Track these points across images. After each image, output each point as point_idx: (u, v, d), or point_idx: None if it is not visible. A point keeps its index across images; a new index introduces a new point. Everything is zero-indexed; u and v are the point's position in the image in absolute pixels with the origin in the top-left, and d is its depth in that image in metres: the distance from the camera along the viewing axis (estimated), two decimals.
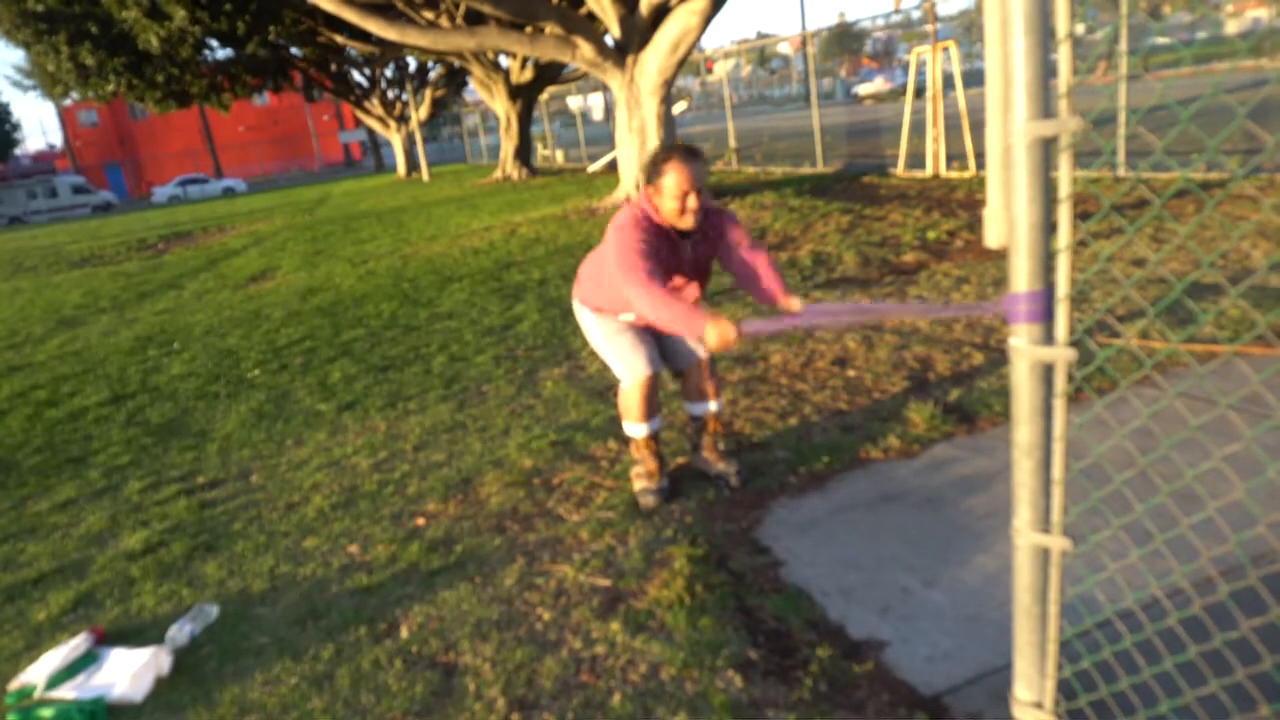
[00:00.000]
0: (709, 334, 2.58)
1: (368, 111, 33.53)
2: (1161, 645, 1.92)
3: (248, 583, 3.05)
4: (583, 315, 3.28)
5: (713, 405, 3.30)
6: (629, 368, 3.11)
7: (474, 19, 16.78)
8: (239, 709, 2.35)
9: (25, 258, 19.21)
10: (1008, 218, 1.47)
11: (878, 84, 47.44)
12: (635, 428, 3.20)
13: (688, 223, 2.82)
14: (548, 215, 12.88)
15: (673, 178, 2.76)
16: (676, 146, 2.82)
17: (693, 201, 2.77)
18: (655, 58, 11.29)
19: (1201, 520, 2.52)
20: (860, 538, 2.78)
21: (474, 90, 24.67)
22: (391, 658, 2.48)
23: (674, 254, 2.92)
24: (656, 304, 2.68)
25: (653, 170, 2.83)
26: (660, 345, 3.25)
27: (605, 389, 4.54)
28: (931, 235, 7.33)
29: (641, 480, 3.25)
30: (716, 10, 10.57)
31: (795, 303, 2.80)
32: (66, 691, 2.47)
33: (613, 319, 3.17)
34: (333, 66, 29.68)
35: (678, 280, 3.03)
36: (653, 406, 3.17)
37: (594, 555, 2.88)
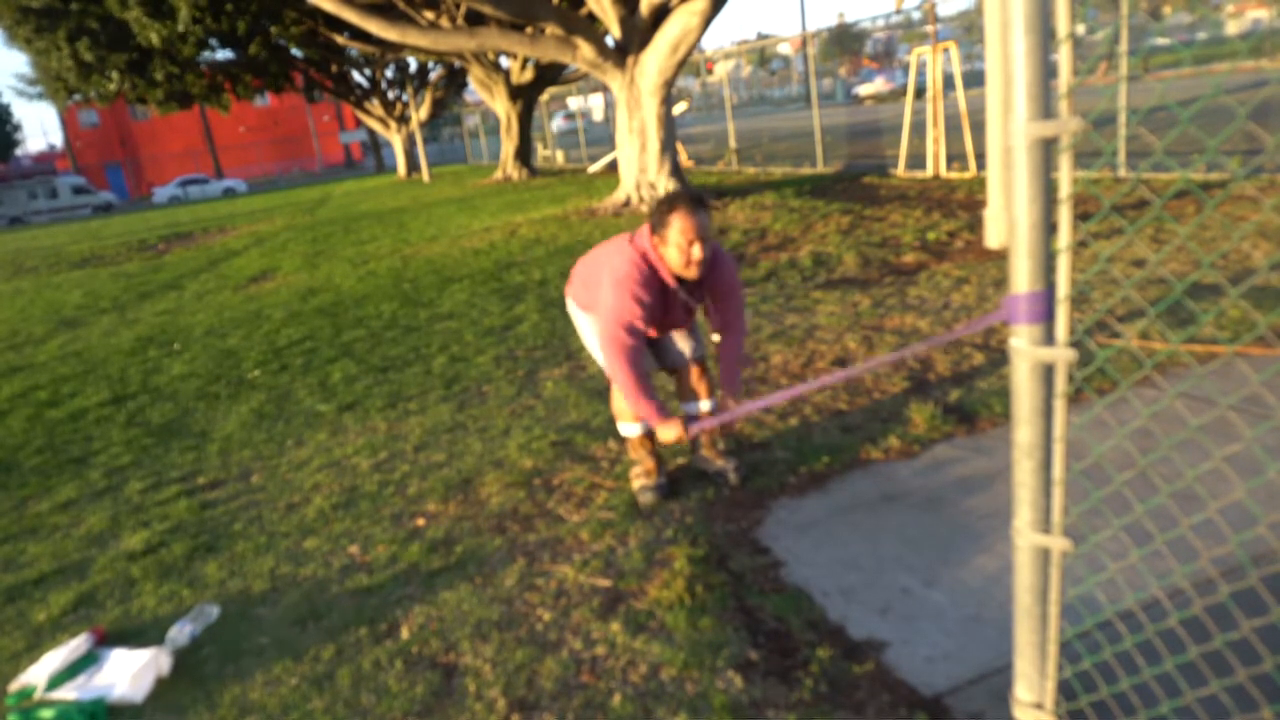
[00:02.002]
0: (662, 433, 2.79)
1: (368, 112, 33.55)
2: (1162, 646, 1.92)
3: (248, 583, 3.05)
4: (576, 314, 3.29)
5: (706, 404, 3.32)
6: None
7: (474, 20, 16.79)
8: (239, 709, 2.35)
9: (26, 258, 19.22)
10: (1008, 218, 1.47)
11: (878, 84, 47.44)
12: (629, 427, 3.21)
13: (692, 274, 2.80)
14: (548, 216, 12.88)
15: (678, 227, 2.73)
16: (682, 194, 2.78)
17: (698, 252, 2.75)
18: (655, 58, 11.30)
19: (1202, 520, 2.52)
20: (860, 538, 2.78)
21: (474, 91, 24.68)
22: (392, 658, 2.48)
23: (669, 305, 2.94)
24: (625, 385, 2.81)
25: (658, 219, 2.79)
26: (652, 345, 3.25)
27: (605, 389, 4.54)
28: (932, 236, 7.33)
29: (640, 479, 3.26)
30: (717, 11, 10.57)
31: (730, 404, 3.07)
32: (67, 692, 2.48)
33: None
34: (333, 67, 29.70)
35: (658, 333, 3.09)
36: None
37: (594, 556, 2.89)
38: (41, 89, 26.33)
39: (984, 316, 1.72)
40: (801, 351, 4.74)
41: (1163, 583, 2.27)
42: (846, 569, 2.61)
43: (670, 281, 2.85)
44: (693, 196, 2.78)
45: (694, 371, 3.26)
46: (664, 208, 2.78)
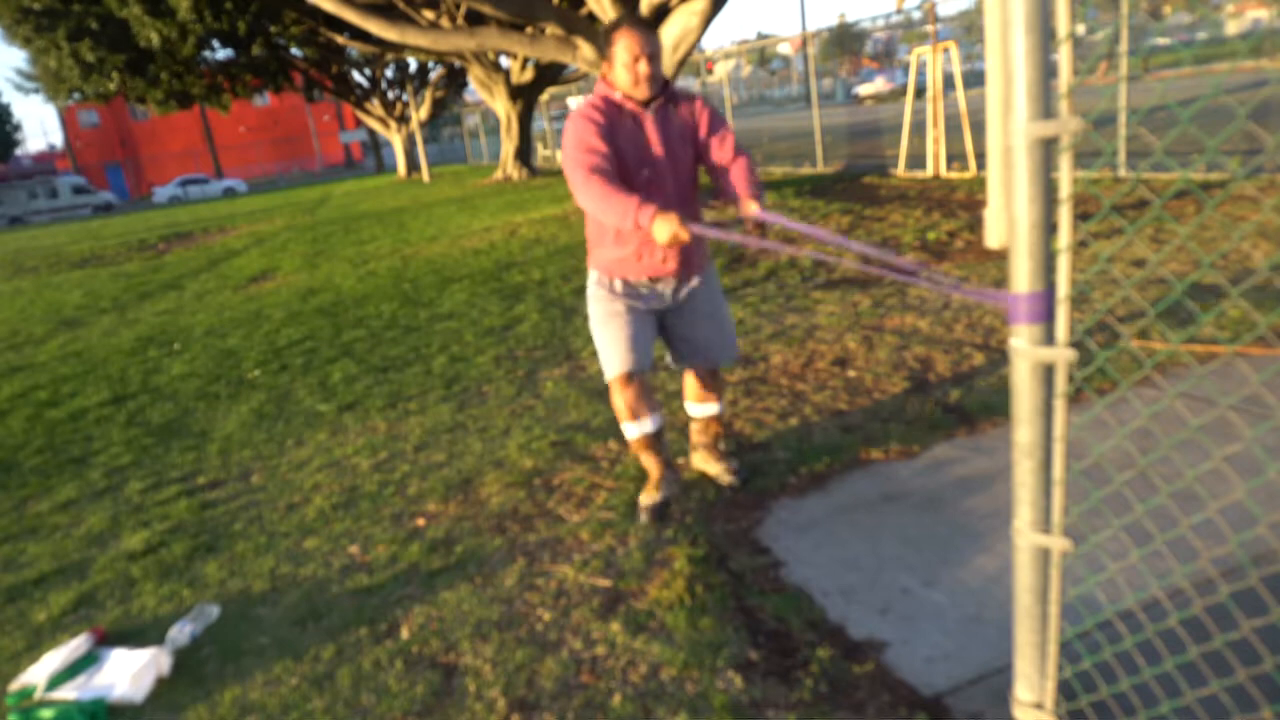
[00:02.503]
0: (656, 230, 2.49)
1: (368, 112, 33.55)
2: (1162, 646, 1.92)
3: (248, 583, 3.05)
4: (589, 285, 3.03)
5: (714, 407, 3.28)
6: (608, 362, 2.96)
7: (474, 19, 16.79)
8: (239, 709, 2.35)
9: (26, 258, 19.21)
10: (1008, 218, 1.47)
11: (878, 84, 47.46)
12: (626, 427, 3.06)
13: (644, 90, 2.70)
14: (548, 216, 12.88)
15: (622, 45, 2.68)
16: (625, 15, 2.72)
17: (644, 67, 2.67)
18: None
19: (1202, 521, 2.52)
20: (861, 538, 2.78)
21: (474, 91, 24.68)
22: (392, 658, 2.48)
23: (639, 132, 2.75)
24: (597, 195, 2.58)
25: (605, 44, 2.73)
26: (666, 338, 3.11)
27: (605, 389, 4.54)
28: (932, 236, 7.33)
29: (644, 490, 3.17)
30: (717, 10, 10.57)
31: (753, 208, 2.67)
32: (67, 692, 2.48)
33: (608, 295, 2.92)
34: (333, 67, 29.70)
35: (646, 176, 2.76)
36: (641, 406, 2.99)
37: (594, 555, 2.89)
38: (39, 84, 26.32)
39: (986, 291, 1.71)
40: (801, 351, 4.74)
41: (1163, 583, 2.27)
42: (846, 569, 2.61)
43: (631, 105, 2.73)
44: (634, 16, 2.73)
45: (706, 372, 3.16)
46: (609, 30, 2.72)
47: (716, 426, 3.32)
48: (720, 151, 2.84)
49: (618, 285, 2.92)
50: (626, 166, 2.73)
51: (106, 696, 2.43)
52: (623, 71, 2.70)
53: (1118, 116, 9.33)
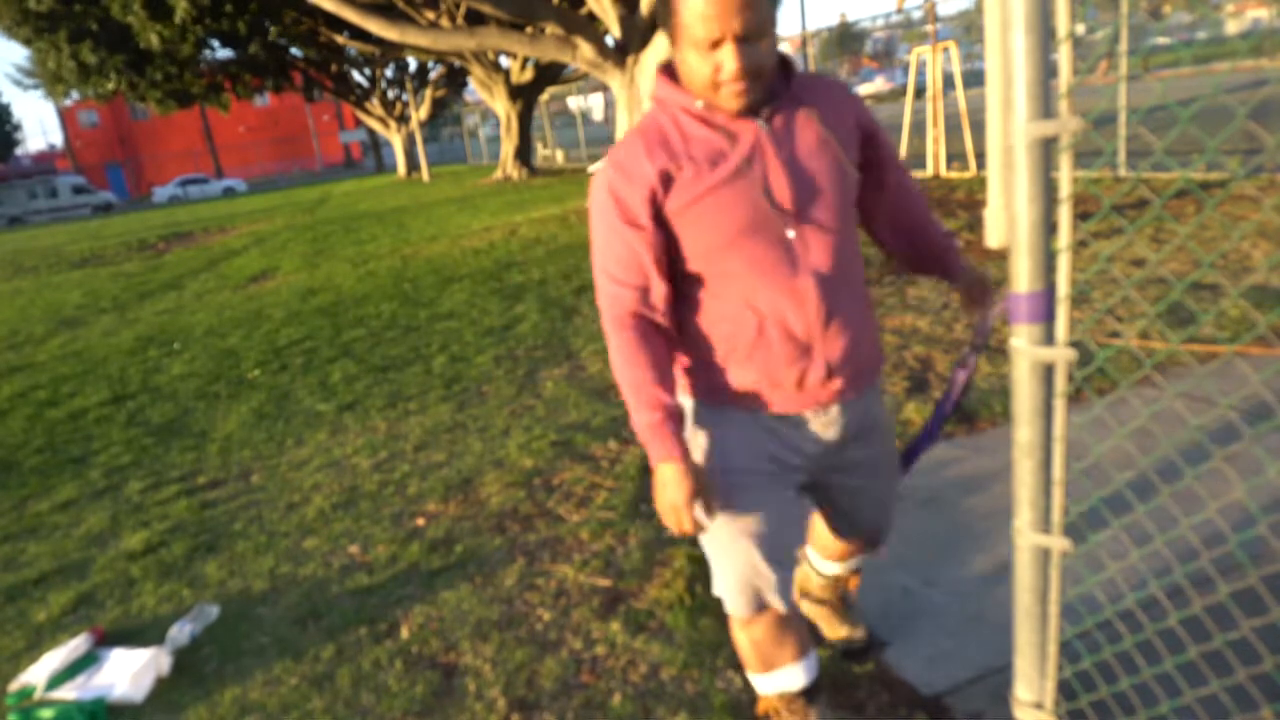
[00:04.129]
0: (659, 491, 1.49)
1: (368, 112, 33.56)
2: (1162, 645, 1.92)
3: (248, 583, 3.05)
4: (689, 425, 1.65)
5: (856, 562, 2.10)
6: (730, 586, 1.65)
7: (474, 19, 16.79)
8: (239, 709, 2.35)
9: (26, 258, 19.21)
10: (1008, 218, 1.47)
11: (878, 84, 47.50)
12: (756, 679, 1.78)
13: (732, 100, 1.41)
14: (548, 215, 12.88)
15: (692, 11, 1.34)
16: None
17: (732, 60, 1.35)
18: (656, 58, 11.29)
19: (1201, 520, 2.52)
20: None
21: (474, 90, 24.69)
22: (392, 658, 2.48)
23: (746, 166, 1.44)
24: (618, 363, 1.52)
25: (662, 8, 1.42)
26: (831, 504, 1.83)
27: (606, 389, 4.54)
28: None
29: None
30: None
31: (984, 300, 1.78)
32: (67, 692, 2.48)
33: (738, 451, 1.60)
34: (333, 67, 29.70)
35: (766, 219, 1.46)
36: (781, 651, 1.71)
37: (594, 555, 2.89)
38: (38, 82, 26.37)
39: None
40: None
41: (1162, 582, 2.27)
42: None
43: (725, 118, 1.45)
44: None
45: (857, 542, 1.98)
46: None
47: (855, 581, 2.24)
48: (898, 192, 1.74)
49: (762, 423, 1.60)
50: (720, 239, 1.47)
51: (106, 696, 2.43)
52: (697, 62, 1.39)
53: (1118, 116, 9.33)
